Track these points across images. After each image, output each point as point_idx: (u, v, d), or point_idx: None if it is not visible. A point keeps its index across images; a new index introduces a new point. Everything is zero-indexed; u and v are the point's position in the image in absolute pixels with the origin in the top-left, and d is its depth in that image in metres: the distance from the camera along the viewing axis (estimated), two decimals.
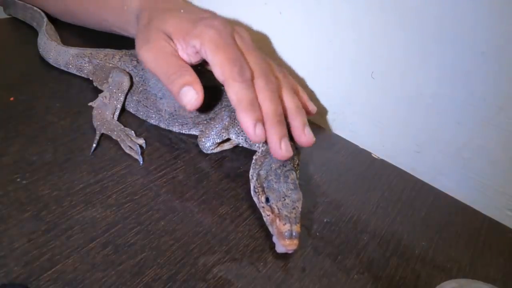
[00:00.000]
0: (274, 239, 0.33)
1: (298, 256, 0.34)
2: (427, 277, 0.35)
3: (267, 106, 0.35)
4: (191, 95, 0.35)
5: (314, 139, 0.38)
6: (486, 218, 0.44)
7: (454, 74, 0.41)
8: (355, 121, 0.50)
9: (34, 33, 0.55)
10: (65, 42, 0.51)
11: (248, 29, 0.50)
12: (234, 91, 0.34)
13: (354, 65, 0.48)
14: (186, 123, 0.43)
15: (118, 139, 0.40)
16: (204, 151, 0.42)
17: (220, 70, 0.35)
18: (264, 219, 0.34)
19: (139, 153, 0.39)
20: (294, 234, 0.32)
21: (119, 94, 0.43)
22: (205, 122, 0.43)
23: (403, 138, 0.47)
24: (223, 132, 0.41)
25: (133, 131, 0.41)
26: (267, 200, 0.34)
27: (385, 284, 0.33)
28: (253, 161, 0.39)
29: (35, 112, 0.42)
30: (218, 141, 0.42)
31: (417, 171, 0.48)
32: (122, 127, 0.41)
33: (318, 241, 0.36)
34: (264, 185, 0.35)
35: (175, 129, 0.44)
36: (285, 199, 0.33)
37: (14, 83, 0.46)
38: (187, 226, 0.34)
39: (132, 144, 0.40)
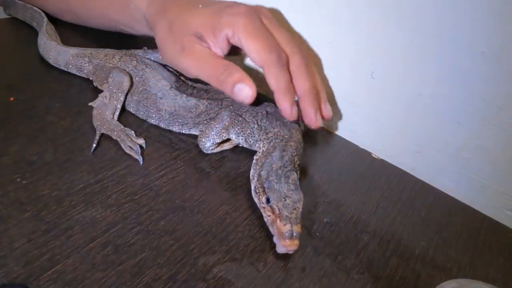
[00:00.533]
0: (275, 239, 0.33)
1: (298, 256, 0.34)
2: (427, 277, 0.35)
3: (303, 83, 0.39)
4: (247, 91, 0.36)
5: (331, 113, 0.42)
6: (486, 218, 0.44)
7: (453, 74, 0.41)
8: (355, 121, 0.50)
9: (34, 33, 0.55)
10: (65, 42, 0.51)
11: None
12: (274, 76, 0.37)
13: (354, 65, 0.48)
14: (186, 123, 0.43)
15: (118, 139, 0.40)
16: (204, 151, 0.42)
17: (258, 56, 0.36)
18: (265, 219, 0.34)
19: (139, 153, 0.39)
20: (294, 234, 0.32)
21: (119, 94, 0.43)
22: (205, 122, 0.43)
23: (403, 138, 0.47)
24: (223, 132, 0.42)
25: (133, 131, 0.41)
26: (268, 200, 0.34)
27: (385, 284, 0.33)
28: (254, 161, 0.39)
29: (35, 112, 0.42)
30: (218, 141, 0.42)
31: (417, 171, 0.48)
32: (122, 127, 0.41)
33: (318, 241, 0.36)
34: (265, 185, 0.35)
35: (175, 129, 0.44)
36: (285, 200, 0.33)
37: (14, 83, 0.46)
38: (187, 226, 0.34)
39: (132, 144, 0.40)
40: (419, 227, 0.40)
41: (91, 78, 0.48)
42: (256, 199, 0.36)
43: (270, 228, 0.34)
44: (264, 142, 0.41)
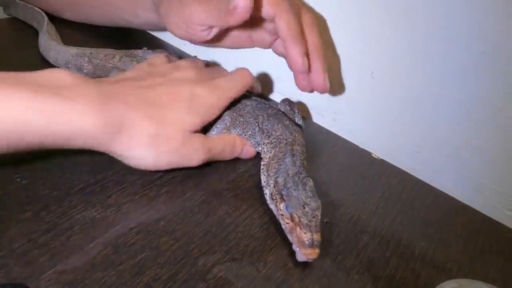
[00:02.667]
0: (294, 247, 0.32)
1: None
2: (427, 277, 0.35)
3: (315, 39, 0.39)
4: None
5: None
6: (486, 218, 0.44)
7: (453, 74, 0.41)
8: (355, 121, 0.50)
9: (35, 33, 0.55)
10: (66, 42, 0.51)
11: None
12: (286, 21, 0.36)
13: (354, 65, 0.48)
14: None
15: None
16: None
17: (272, 5, 0.36)
18: (283, 227, 0.34)
19: None
20: (315, 242, 0.31)
21: None
22: None
23: (403, 138, 0.47)
24: (224, 133, 0.42)
25: None
26: (287, 208, 0.34)
27: (385, 284, 0.33)
28: (262, 167, 0.39)
29: None
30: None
31: (417, 171, 0.48)
32: None
33: None
34: (283, 192, 0.35)
35: None
36: (304, 207, 0.33)
37: None
38: (187, 226, 0.34)
39: None
40: (419, 227, 0.40)
41: None
42: (272, 206, 0.36)
43: (289, 236, 0.33)
44: (268, 146, 0.40)
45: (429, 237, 0.39)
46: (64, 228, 0.31)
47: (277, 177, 0.36)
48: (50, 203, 0.33)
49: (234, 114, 0.41)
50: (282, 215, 0.34)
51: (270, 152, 0.39)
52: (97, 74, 0.47)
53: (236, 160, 0.42)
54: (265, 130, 0.41)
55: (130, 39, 0.53)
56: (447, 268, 0.36)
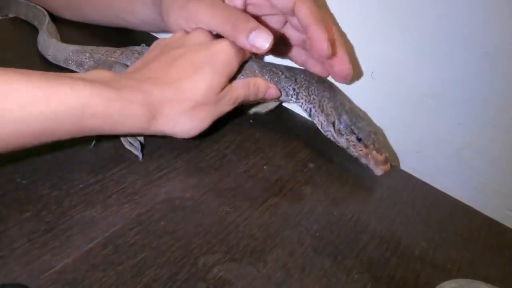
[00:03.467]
0: (371, 166, 0.41)
1: (298, 256, 0.34)
2: (427, 277, 0.35)
3: (334, 28, 0.40)
4: (264, 37, 0.35)
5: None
6: (486, 218, 0.44)
7: (454, 74, 0.41)
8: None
9: (34, 33, 0.55)
10: (66, 41, 0.51)
11: None
12: (310, 8, 0.37)
13: (354, 65, 0.48)
14: None
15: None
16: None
17: None
18: (355, 154, 0.42)
19: (139, 149, 0.39)
20: (387, 159, 0.41)
21: None
22: None
23: (403, 138, 0.47)
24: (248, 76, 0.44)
25: None
26: (359, 139, 0.41)
27: (385, 284, 0.33)
28: (311, 108, 0.44)
29: None
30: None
31: (417, 171, 0.48)
32: None
33: (318, 241, 0.36)
34: (352, 127, 0.41)
35: None
36: (371, 135, 0.41)
37: None
38: (187, 226, 0.34)
39: (132, 140, 0.40)
40: (419, 227, 0.40)
41: None
42: (342, 139, 0.42)
43: (363, 160, 0.42)
44: (301, 89, 0.44)
45: (429, 237, 0.39)
46: (64, 228, 0.31)
47: (341, 116, 0.42)
48: (50, 203, 0.33)
49: (261, 62, 0.44)
50: (354, 145, 0.41)
51: (307, 92, 0.44)
52: (99, 69, 0.46)
53: (236, 160, 0.42)
54: (290, 76, 0.45)
55: (129, 38, 0.53)
56: (447, 268, 0.36)
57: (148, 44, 0.50)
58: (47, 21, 0.53)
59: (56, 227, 0.31)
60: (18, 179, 0.34)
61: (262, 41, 0.35)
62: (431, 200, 0.44)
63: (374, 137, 0.41)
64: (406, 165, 0.48)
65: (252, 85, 0.41)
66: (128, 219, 0.33)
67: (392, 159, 0.49)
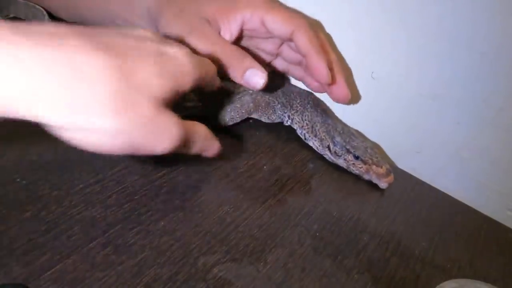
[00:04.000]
0: (375, 180, 0.42)
1: (298, 256, 0.34)
2: (427, 277, 0.35)
3: (332, 54, 0.41)
4: (259, 76, 0.36)
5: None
6: (486, 218, 0.44)
7: (454, 74, 0.41)
8: (355, 121, 0.50)
9: None
10: None
11: None
12: (307, 36, 0.37)
13: (354, 65, 0.48)
14: None
15: None
16: (222, 124, 0.45)
17: (287, 22, 0.37)
18: (355, 171, 0.43)
19: None
20: (389, 170, 0.41)
21: None
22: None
23: (403, 138, 0.47)
24: (244, 114, 0.45)
25: None
26: (356, 156, 0.42)
27: (385, 284, 0.33)
28: (305, 133, 0.45)
29: None
30: (238, 121, 0.45)
31: (417, 171, 0.48)
32: None
33: (318, 241, 0.36)
34: (347, 146, 0.42)
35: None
36: (367, 150, 0.42)
37: None
38: (187, 226, 0.34)
39: None
40: (419, 227, 0.40)
41: None
42: (340, 160, 0.43)
43: (366, 176, 0.42)
44: (295, 114, 0.46)
45: (429, 237, 0.39)
46: (64, 228, 0.31)
47: (334, 138, 0.43)
48: (50, 203, 0.33)
49: (255, 96, 0.44)
50: (353, 163, 0.42)
51: (301, 118, 0.46)
52: None
53: (236, 160, 0.42)
54: (286, 103, 0.46)
55: None
56: (447, 268, 0.36)
57: None
58: (45, 20, 0.53)
59: (56, 227, 0.31)
60: (18, 179, 0.34)
61: (257, 78, 0.36)
62: (431, 200, 0.44)
63: (371, 151, 0.42)
64: (406, 165, 0.48)
65: (203, 132, 0.33)
66: (128, 219, 0.33)
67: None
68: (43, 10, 0.56)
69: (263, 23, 0.38)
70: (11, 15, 0.62)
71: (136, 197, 0.35)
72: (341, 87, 0.41)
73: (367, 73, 0.47)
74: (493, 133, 0.41)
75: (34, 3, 0.57)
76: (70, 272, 0.28)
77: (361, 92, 0.49)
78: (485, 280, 0.32)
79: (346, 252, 0.35)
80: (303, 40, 0.37)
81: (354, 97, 0.50)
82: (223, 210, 0.36)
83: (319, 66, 0.38)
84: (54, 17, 0.57)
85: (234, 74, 0.36)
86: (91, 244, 0.30)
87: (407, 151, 0.47)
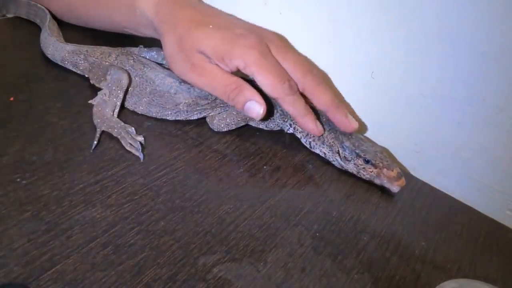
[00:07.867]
0: (386, 184, 0.41)
1: (298, 256, 0.34)
2: (427, 277, 0.35)
3: (323, 97, 0.42)
4: (257, 109, 0.39)
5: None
6: (486, 218, 0.44)
7: (454, 74, 0.41)
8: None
9: (36, 33, 0.55)
10: (67, 37, 0.51)
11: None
12: (291, 104, 0.40)
13: (354, 65, 0.48)
14: (205, 109, 0.45)
15: (119, 136, 0.40)
16: (215, 129, 0.45)
17: (272, 90, 0.39)
18: (366, 176, 0.42)
19: (140, 150, 0.39)
20: (400, 174, 0.41)
21: (118, 91, 0.43)
22: (221, 105, 0.45)
23: (403, 138, 0.47)
24: (240, 122, 0.45)
25: (133, 128, 0.41)
26: (367, 161, 0.41)
27: (385, 284, 0.33)
28: (312, 142, 0.45)
29: (35, 112, 0.42)
30: (234, 128, 0.45)
31: (417, 171, 0.48)
32: (123, 124, 0.41)
33: (318, 241, 0.36)
34: (357, 151, 0.42)
35: (194, 117, 0.45)
36: (377, 154, 0.42)
37: (14, 83, 0.46)
38: (187, 226, 0.34)
39: (132, 141, 0.40)
40: (419, 227, 0.40)
41: (87, 75, 0.48)
42: (350, 165, 0.43)
43: (377, 180, 0.42)
44: (297, 125, 0.45)
45: (429, 237, 0.39)
46: (64, 228, 0.31)
47: (343, 143, 0.43)
48: (50, 203, 0.33)
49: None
50: (364, 168, 0.42)
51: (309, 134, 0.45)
52: (94, 72, 0.46)
53: (236, 160, 0.42)
54: (285, 112, 0.45)
55: (129, 37, 0.53)
56: (447, 268, 0.36)
57: (146, 45, 0.50)
58: (48, 19, 0.53)
59: (56, 227, 0.31)
60: (18, 179, 0.34)
61: (257, 109, 0.39)
62: (431, 200, 0.44)
63: (381, 155, 0.42)
64: (407, 165, 0.48)
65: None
66: (128, 219, 0.33)
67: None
68: (45, 9, 0.55)
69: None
70: (9, 15, 0.62)
71: (136, 197, 0.35)
72: (343, 124, 0.43)
73: (367, 73, 0.47)
74: (493, 133, 0.41)
75: (40, 2, 0.57)
76: (70, 272, 0.28)
77: (360, 92, 0.49)
78: (485, 280, 0.32)
79: (346, 252, 0.35)
80: (287, 107, 0.41)
81: (354, 97, 0.50)
82: (223, 210, 0.36)
83: (308, 127, 0.42)
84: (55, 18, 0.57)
85: (237, 106, 0.40)
86: (91, 244, 0.30)
87: (407, 151, 0.47)
